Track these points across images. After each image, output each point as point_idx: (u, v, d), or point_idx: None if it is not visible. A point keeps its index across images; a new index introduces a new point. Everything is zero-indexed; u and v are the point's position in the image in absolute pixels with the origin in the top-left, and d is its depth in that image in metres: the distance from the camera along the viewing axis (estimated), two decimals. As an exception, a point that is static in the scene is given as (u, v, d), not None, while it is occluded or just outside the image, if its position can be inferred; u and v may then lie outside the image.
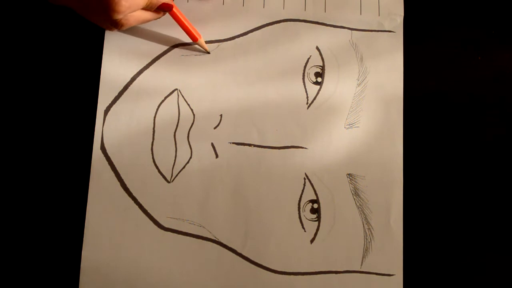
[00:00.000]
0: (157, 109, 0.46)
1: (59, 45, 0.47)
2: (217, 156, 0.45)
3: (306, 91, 0.47)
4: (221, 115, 0.46)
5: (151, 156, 0.45)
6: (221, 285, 0.44)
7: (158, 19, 0.46)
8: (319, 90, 0.47)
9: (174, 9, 0.44)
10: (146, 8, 0.43)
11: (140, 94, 0.46)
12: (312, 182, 0.45)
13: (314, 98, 0.47)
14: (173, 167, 0.45)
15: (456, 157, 0.47)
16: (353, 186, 0.46)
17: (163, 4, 0.43)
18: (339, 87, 0.47)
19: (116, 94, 0.46)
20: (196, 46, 0.47)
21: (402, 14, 0.49)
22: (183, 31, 0.46)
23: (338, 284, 0.44)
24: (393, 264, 0.45)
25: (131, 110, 0.45)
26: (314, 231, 0.45)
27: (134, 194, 0.44)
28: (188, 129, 0.45)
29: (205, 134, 0.45)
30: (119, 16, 0.41)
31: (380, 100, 0.47)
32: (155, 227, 0.44)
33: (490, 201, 0.47)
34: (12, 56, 0.47)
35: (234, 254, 0.44)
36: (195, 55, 0.47)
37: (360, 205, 0.45)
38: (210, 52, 0.47)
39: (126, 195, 0.44)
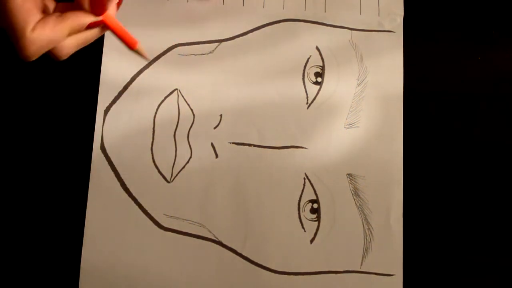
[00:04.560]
0: (157, 109, 0.46)
1: (59, 45, 0.47)
2: (217, 156, 0.45)
3: (306, 91, 0.47)
4: (221, 115, 0.46)
5: (151, 156, 0.45)
6: (221, 285, 0.44)
7: (158, 18, 0.47)
8: (319, 90, 0.47)
9: (106, 16, 0.36)
10: (73, 33, 0.35)
11: (140, 94, 0.46)
12: (312, 182, 0.45)
13: (314, 98, 0.47)
14: (173, 167, 0.45)
15: (456, 157, 0.47)
16: (353, 186, 0.46)
17: (91, 25, 0.36)
18: (339, 87, 0.47)
19: (116, 94, 0.46)
20: (196, 46, 0.47)
21: (402, 14, 0.49)
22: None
23: (338, 284, 0.44)
24: (393, 264, 0.45)
25: (131, 110, 0.45)
26: (314, 231, 0.45)
27: (134, 194, 0.44)
28: (188, 129, 0.45)
29: (205, 134, 0.45)
30: (31, 59, 0.35)
31: (380, 100, 0.47)
32: (155, 227, 0.44)
33: (490, 201, 0.47)
34: (12, 55, 0.47)
35: (234, 254, 0.44)
36: (195, 55, 0.47)
37: (360, 205, 0.45)
38: (212, 52, 0.47)
39: (126, 195, 0.44)
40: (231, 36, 0.48)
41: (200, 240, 0.44)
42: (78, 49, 0.36)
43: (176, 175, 0.45)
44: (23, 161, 0.45)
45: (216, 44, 0.47)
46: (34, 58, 0.35)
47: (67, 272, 0.43)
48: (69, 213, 0.44)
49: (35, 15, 0.34)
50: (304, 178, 0.45)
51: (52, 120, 0.46)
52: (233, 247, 0.44)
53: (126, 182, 0.44)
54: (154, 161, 0.45)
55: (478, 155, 0.47)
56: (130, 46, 0.38)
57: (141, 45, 0.38)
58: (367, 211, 0.45)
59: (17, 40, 0.34)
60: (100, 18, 0.35)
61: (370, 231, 0.45)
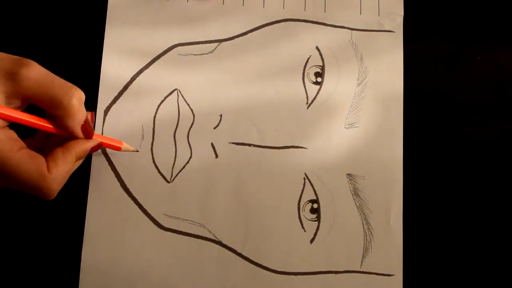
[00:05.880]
0: (157, 109, 0.46)
1: (58, 45, 0.47)
2: (217, 156, 0.45)
3: (306, 91, 0.47)
4: (221, 115, 0.46)
5: (151, 156, 0.45)
6: (221, 285, 0.44)
7: (158, 18, 0.47)
8: (319, 90, 0.47)
9: (96, 138, 0.40)
10: (78, 160, 0.39)
11: (140, 94, 0.46)
12: (312, 182, 0.45)
13: (314, 98, 0.47)
14: (173, 167, 0.45)
15: (456, 157, 0.47)
16: (353, 186, 0.46)
17: (93, 149, 0.40)
18: (339, 87, 0.47)
19: (116, 94, 0.46)
20: (196, 46, 0.47)
21: (402, 14, 0.49)
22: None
23: (338, 284, 0.44)
24: (393, 264, 0.45)
25: (131, 110, 0.45)
26: (314, 231, 0.45)
27: (134, 194, 0.44)
28: (188, 129, 0.45)
29: (205, 134, 0.45)
30: (54, 197, 0.37)
31: (380, 100, 0.47)
32: (155, 227, 0.44)
33: (490, 201, 0.47)
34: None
35: (234, 254, 0.44)
36: (195, 54, 0.47)
37: (360, 205, 0.45)
38: (212, 52, 0.47)
39: (126, 195, 0.44)
40: (231, 36, 0.48)
41: (200, 240, 0.44)
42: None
43: (176, 175, 0.45)
44: (23, 161, 0.45)
45: (216, 44, 0.47)
46: (56, 195, 0.37)
47: (67, 272, 0.43)
48: (69, 213, 0.44)
49: (38, 157, 0.35)
50: (304, 178, 0.45)
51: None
52: (233, 247, 0.44)
53: (126, 182, 0.44)
54: (154, 161, 0.45)
55: (478, 155, 0.47)
56: (117, 149, 0.43)
57: (125, 144, 0.43)
58: (367, 211, 0.45)
59: (38, 186, 0.35)
60: (98, 141, 0.40)
61: (370, 231, 0.45)
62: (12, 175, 0.34)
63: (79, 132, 0.37)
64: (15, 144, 0.35)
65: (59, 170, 0.36)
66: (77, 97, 0.36)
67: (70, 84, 0.36)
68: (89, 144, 0.39)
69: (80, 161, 0.40)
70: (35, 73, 0.35)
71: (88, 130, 0.38)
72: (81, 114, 0.37)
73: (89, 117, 0.39)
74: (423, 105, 0.48)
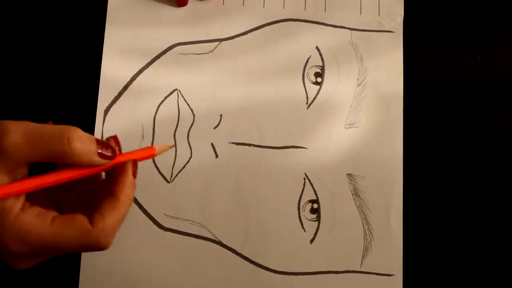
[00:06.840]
0: (157, 109, 0.46)
1: (58, 45, 0.47)
2: (217, 156, 0.45)
3: (306, 91, 0.47)
4: (221, 115, 0.46)
5: (151, 156, 0.45)
6: (221, 285, 0.44)
7: (158, 18, 0.47)
8: (319, 90, 0.47)
9: (123, 157, 0.35)
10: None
11: (140, 93, 0.46)
12: (312, 182, 0.45)
13: (314, 98, 0.47)
14: (173, 167, 0.45)
15: (456, 157, 0.47)
16: (353, 186, 0.46)
17: (134, 174, 0.35)
18: (339, 87, 0.47)
19: (116, 94, 0.46)
20: (196, 45, 0.47)
21: (402, 14, 0.49)
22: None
23: (338, 284, 0.44)
24: (393, 264, 0.45)
25: (131, 110, 0.45)
26: (314, 231, 0.45)
27: (134, 194, 0.44)
28: (188, 129, 0.45)
29: (205, 134, 0.45)
30: (110, 244, 0.33)
31: (380, 100, 0.47)
32: (155, 227, 0.44)
33: (490, 201, 0.47)
34: (12, 56, 0.47)
35: (234, 254, 0.44)
36: (195, 54, 0.47)
37: (360, 205, 0.45)
38: (212, 51, 0.47)
39: (126, 195, 0.44)
40: (231, 35, 0.48)
41: (200, 240, 0.44)
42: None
43: (176, 175, 0.45)
44: (23, 161, 0.45)
45: (216, 43, 0.47)
46: (110, 244, 0.33)
47: (67, 272, 0.43)
48: (69, 213, 0.44)
49: (75, 218, 0.32)
50: (304, 178, 0.45)
51: (52, 120, 0.46)
52: (233, 247, 0.44)
53: (126, 182, 0.44)
54: (154, 161, 0.45)
55: (478, 155, 0.47)
56: (152, 156, 0.37)
57: (157, 147, 0.37)
58: (367, 211, 0.45)
59: (85, 245, 0.32)
60: (131, 166, 0.35)
61: (370, 231, 0.45)
62: (57, 249, 0.32)
63: (101, 162, 0.33)
64: (44, 219, 0.31)
65: (106, 222, 0.32)
66: (75, 137, 0.31)
67: (59, 128, 0.31)
68: (130, 179, 0.34)
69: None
70: (16, 136, 0.30)
71: (106, 155, 0.33)
72: (91, 148, 0.32)
73: (113, 143, 0.34)
74: (423, 105, 0.48)
